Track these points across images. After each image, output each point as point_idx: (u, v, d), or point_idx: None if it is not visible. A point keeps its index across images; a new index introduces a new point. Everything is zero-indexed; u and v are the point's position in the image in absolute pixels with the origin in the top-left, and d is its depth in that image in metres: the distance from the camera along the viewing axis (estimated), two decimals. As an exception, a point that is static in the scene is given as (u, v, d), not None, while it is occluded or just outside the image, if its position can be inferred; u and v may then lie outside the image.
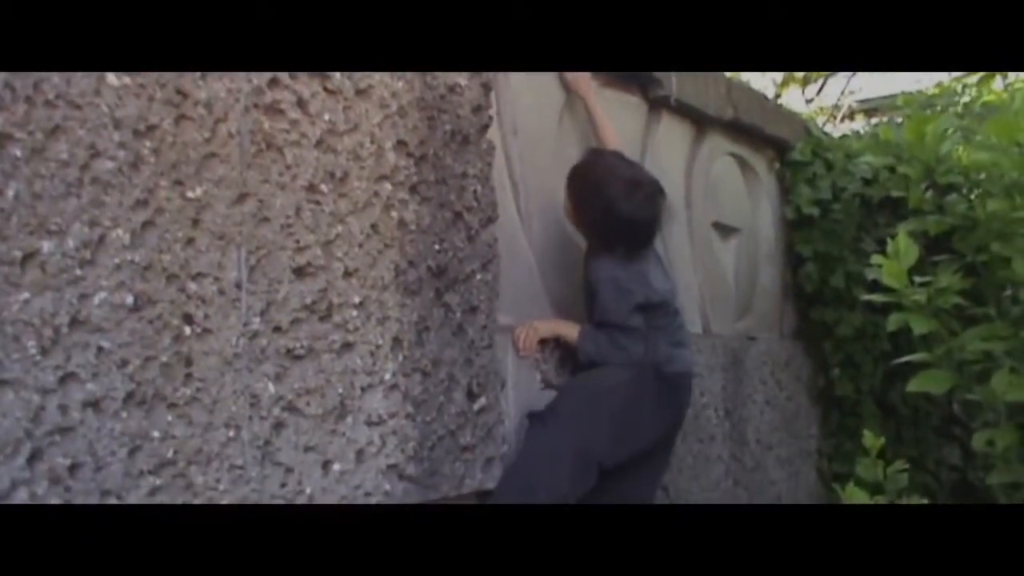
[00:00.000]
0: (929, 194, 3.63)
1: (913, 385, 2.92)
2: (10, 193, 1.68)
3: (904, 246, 2.74)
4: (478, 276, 2.67)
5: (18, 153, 1.70)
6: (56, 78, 1.75)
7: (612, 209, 2.92)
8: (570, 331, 3.04)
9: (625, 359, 2.95)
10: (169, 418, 1.89)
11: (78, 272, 1.77)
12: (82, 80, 1.79)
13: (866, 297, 3.18)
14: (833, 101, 10.33)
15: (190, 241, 1.95)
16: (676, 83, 3.74)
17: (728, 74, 4.30)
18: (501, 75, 2.93)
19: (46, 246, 1.72)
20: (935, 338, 2.93)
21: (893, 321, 2.90)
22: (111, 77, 1.84)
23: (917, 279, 2.83)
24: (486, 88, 2.75)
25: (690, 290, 3.90)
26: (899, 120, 5.75)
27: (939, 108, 5.01)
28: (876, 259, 2.85)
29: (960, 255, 3.42)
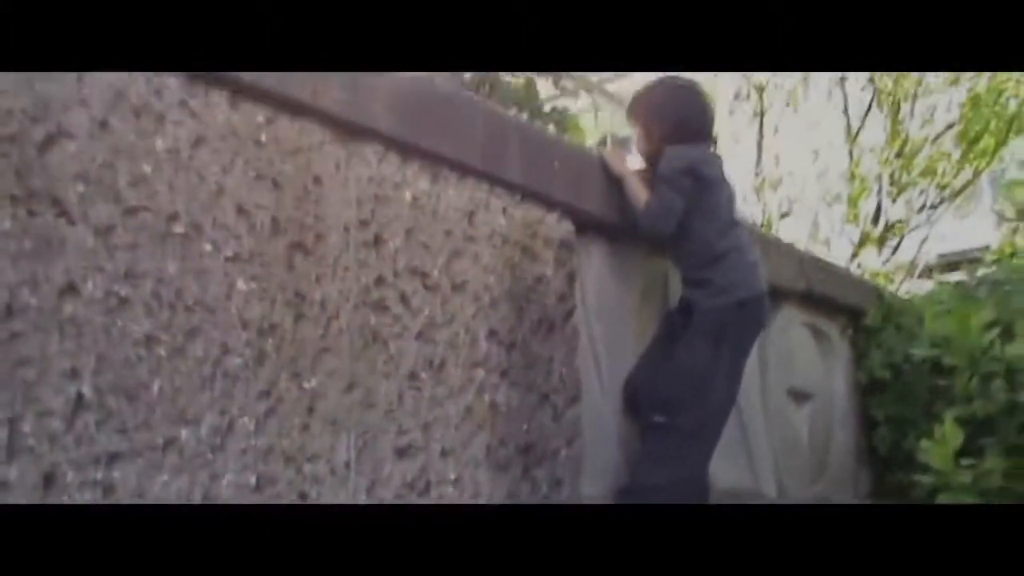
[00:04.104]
0: (974, 381, 3.75)
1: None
2: (155, 388, 1.91)
3: (950, 431, 2.92)
4: (563, 452, 2.84)
5: (162, 352, 1.93)
6: (195, 286, 1.99)
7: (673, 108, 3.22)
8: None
9: (666, 212, 3.05)
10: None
11: (209, 456, 1.98)
12: (216, 287, 2.03)
13: (917, 477, 3.32)
14: (910, 256, 10.35)
15: (306, 427, 2.16)
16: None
17: (800, 247, 4.44)
18: (586, 261, 3.12)
19: (184, 434, 1.94)
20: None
21: (942, 499, 3.04)
22: (240, 283, 2.08)
23: (964, 461, 2.98)
24: (570, 277, 2.96)
25: (764, 456, 4.01)
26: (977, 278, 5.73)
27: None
28: (924, 444, 3.02)
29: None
